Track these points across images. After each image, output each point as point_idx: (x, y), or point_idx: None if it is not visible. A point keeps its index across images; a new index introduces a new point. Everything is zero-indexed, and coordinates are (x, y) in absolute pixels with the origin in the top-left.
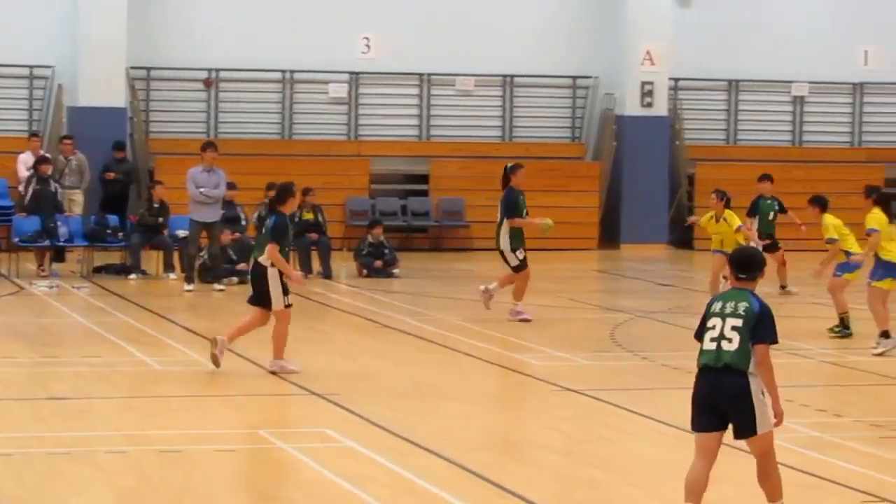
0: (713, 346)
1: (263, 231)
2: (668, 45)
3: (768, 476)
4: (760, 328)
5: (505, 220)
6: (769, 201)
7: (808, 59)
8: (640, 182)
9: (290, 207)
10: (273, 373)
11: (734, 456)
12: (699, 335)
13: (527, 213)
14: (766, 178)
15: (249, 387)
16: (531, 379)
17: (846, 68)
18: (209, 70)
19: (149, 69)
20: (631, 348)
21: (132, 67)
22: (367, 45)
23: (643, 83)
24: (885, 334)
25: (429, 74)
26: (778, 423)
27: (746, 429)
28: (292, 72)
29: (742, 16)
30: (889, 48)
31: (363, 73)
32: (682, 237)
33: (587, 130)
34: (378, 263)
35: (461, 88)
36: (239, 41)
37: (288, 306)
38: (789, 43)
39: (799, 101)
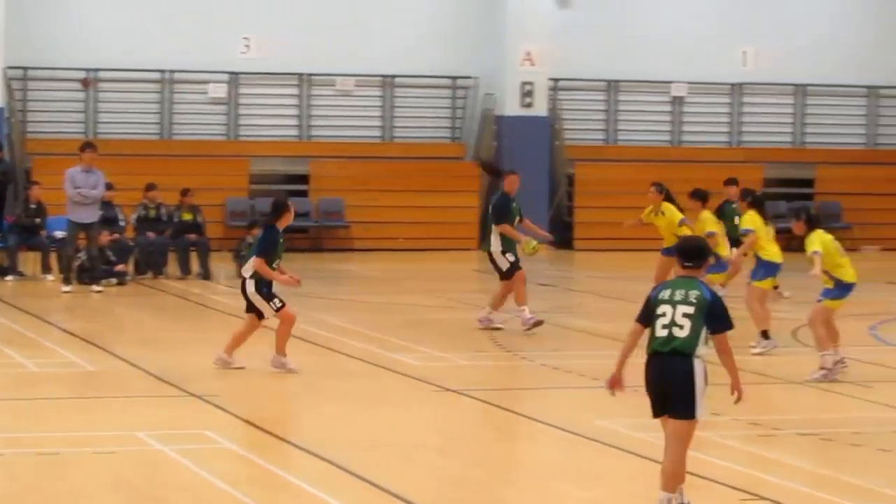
0: (665, 332)
1: (253, 247)
2: (547, 46)
3: (675, 464)
4: (716, 318)
5: (494, 226)
6: (734, 206)
7: (687, 59)
8: (520, 182)
9: (284, 222)
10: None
11: (610, 455)
12: (644, 319)
13: (520, 220)
14: (731, 182)
15: (128, 388)
16: (411, 379)
17: (725, 69)
18: (87, 70)
19: (26, 69)
20: (510, 348)
21: (9, 67)
22: (247, 45)
23: (523, 83)
24: (765, 334)
25: (309, 74)
26: (738, 400)
27: (686, 410)
28: (171, 72)
29: (622, 16)
30: (767, 49)
31: (243, 73)
32: (563, 237)
33: (467, 131)
34: None
35: (341, 88)
36: (117, 41)
37: (279, 308)
38: (668, 43)
39: (678, 101)
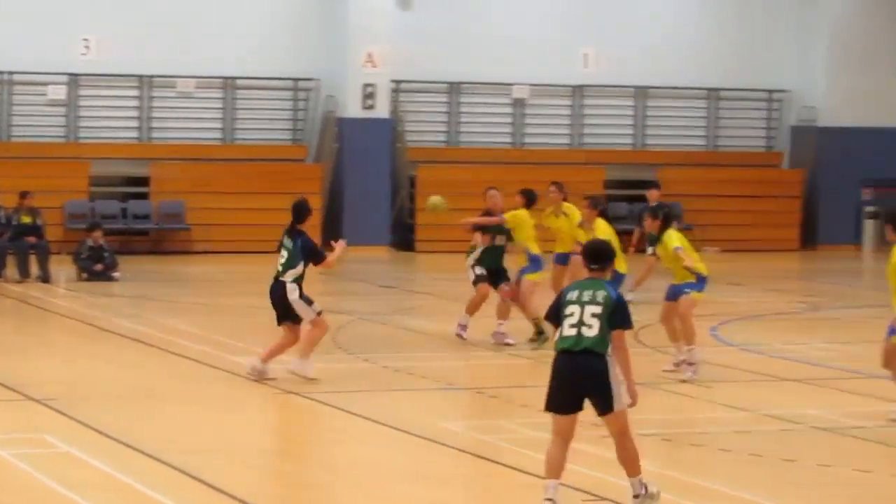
0: (574, 331)
1: (293, 252)
2: (389, 48)
3: (626, 452)
4: (617, 316)
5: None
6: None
7: (528, 61)
8: (361, 184)
9: (308, 223)
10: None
11: (453, 456)
12: (553, 318)
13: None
14: (652, 185)
15: None
16: (253, 382)
17: (566, 71)
18: None
19: None
20: (353, 350)
21: None
22: (87, 46)
23: (365, 85)
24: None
25: (149, 76)
26: (633, 404)
27: (604, 406)
28: (10, 73)
29: (463, 18)
30: (608, 51)
31: (82, 74)
32: (404, 239)
33: (309, 132)
34: (98, 267)
35: (182, 90)
36: None
37: (319, 314)
38: (510, 46)
39: (519, 103)
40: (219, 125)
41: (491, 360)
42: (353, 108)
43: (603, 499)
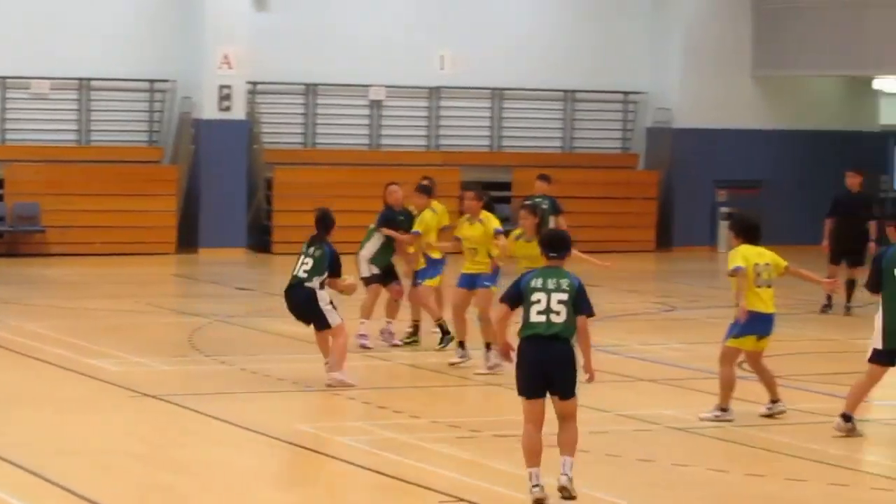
0: (542, 318)
1: (319, 259)
2: (245, 49)
3: (572, 434)
4: (581, 302)
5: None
6: (538, 199)
7: (385, 63)
8: (218, 186)
9: (332, 233)
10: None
11: (310, 459)
12: (511, 302)
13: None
14: (542, 178)
15: None
16: (109, 385)
17: (423, 72)
18: None
19: None
20: (210, 353)
21: None
22: None
23: (221, 87)
24: (461, 345)
25: (3, 77)
26: (590, 380)
27: (567, 391)
28: None
29: (320, 20)
30: (464, 53)
31: None
32: (261, 241)
33: (165, 134)
34: None
35: (36, 91)
36: None
37: (341, 320)
38: (367, 47)
39: (376, 104)
40: (74, 127)
41: (363, 363)
42: (209, 110)
43: (460, 499)
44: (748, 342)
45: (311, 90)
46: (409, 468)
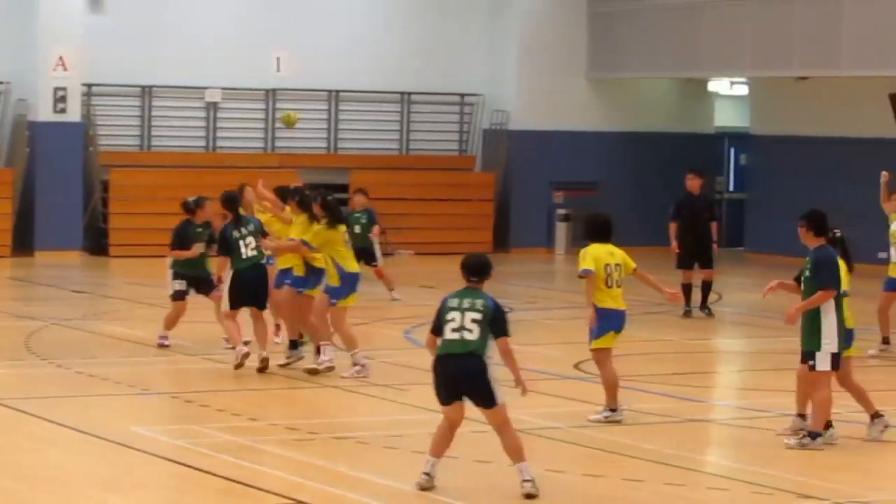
0: (456, 335)
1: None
2: (80, 51)
3: (511, 441)
4: (499, 324)
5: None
6: (357, 215)
7: (221, 65)
8: (54, 188)
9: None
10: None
11: (148, 462)
12: (437, 331)
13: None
14: (360, 192)
15: None
16: None
17: (259, 74)
18: None
19: None
20: (46, 356)
21: None
22: None
23: (56, 89)
24: (317, 350)
25: None
26: (524, 392)
27: (487, 401)
28: None
29: (155, 21)
30: (300, 55)
31: None
32: (97, 244)
33: (0, 137)
34: None
35: None
36: None
37: None
38: (203, 49)
39: (212, 106)
40: None
41: (186, 365)
42: (44, 112)
43: (299, 501)
44: (610, 339)
45: (146, 92)
46: (246, 471)
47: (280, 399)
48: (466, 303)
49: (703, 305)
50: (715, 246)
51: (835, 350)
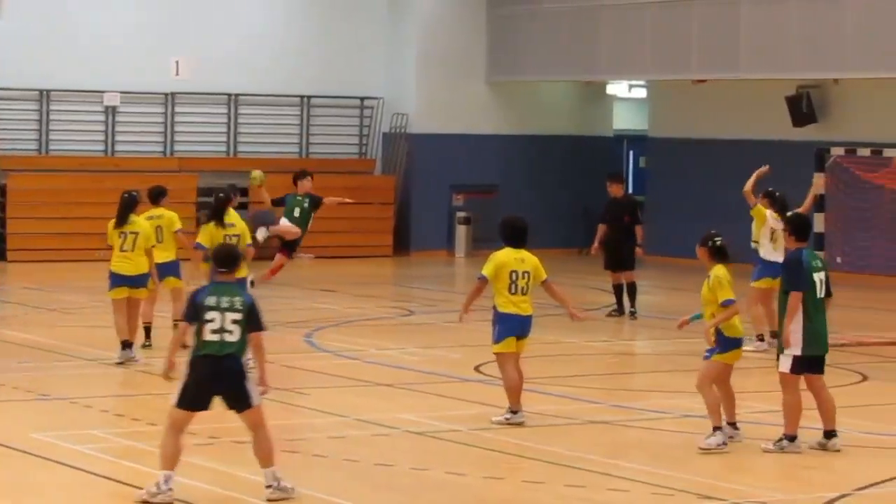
0: (217, 337)
1: None
2: None
3: (263, 444)
4: (254, 319)
5: None
6: (299, 198)
7: (120, 69)
8: None
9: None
10: None
11: (46, 467)
12: (192, 318)
13: None
14: (303, 175)
15: None
16: None
17: (158, 78)
18: None
19: None
20: None
21: None
22: None
23: None
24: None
25: None
26: (265, 392)
27: (242, 404)
28: None
29: (54, 25)
30: (199, 58)
31: None
32: None
33: None
34: None
35: None
36: None
37: None
38: (101, 53)
39: (111, 110)
40: None
41: (83, 370)
42: None
43: (183, 501)
44: (510, 344)
45: (45, 96)
46: (147, 475)
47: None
48: (225, 301)
49: (630, 307)
50: (639, 249)
51: (797, 353)
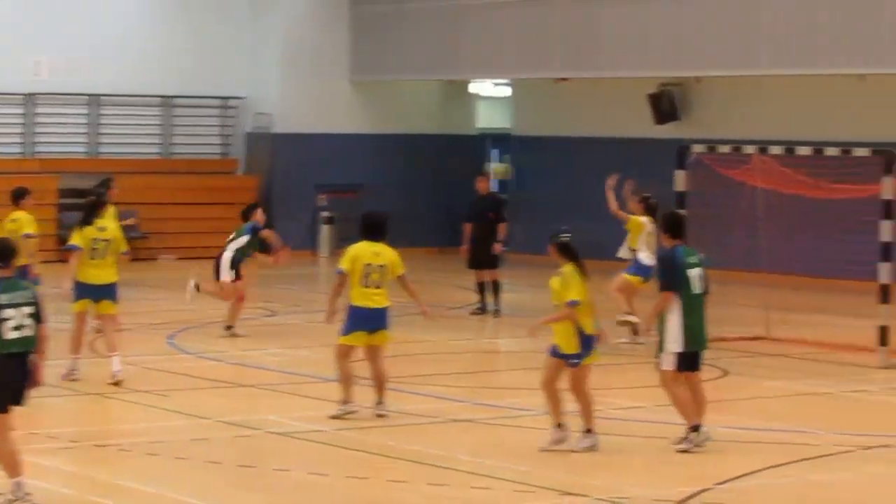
0: (17, 334)
1: None
2: None
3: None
4: (40, 312)
5: None
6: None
7: None
8: None
9: None
10: None
11: None
12: None
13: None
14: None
15: None
16: None
17: (17, 78)
18: None
19: None
20: None
21: None
22: None
23: None
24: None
25: None
26: (36, 384)
27: (25, 401)
28: None
29: None
30: (60, 58)
31: None
32: None
33: None
34: None
35: None
36: None
37: None
38: None
39: None
40: None
41: None
42: None
43: None
44: (359, 338)
45: None
46: (3, 479)
47: (41, 408)
48: (19, 297)
49: (494, 304)
50: (497, 246)
51: (678, 350)
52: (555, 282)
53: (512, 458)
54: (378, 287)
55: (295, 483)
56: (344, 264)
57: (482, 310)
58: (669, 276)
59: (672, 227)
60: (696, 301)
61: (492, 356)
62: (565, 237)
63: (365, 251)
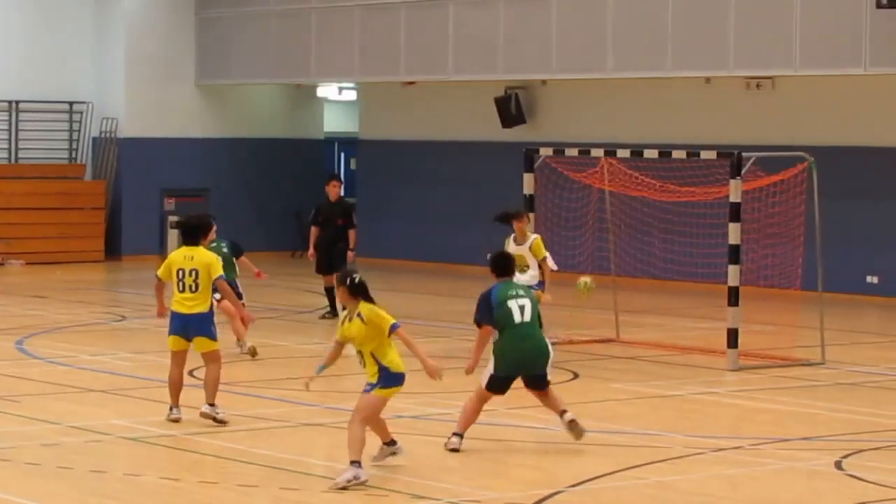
0: None
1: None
2: None
3: None
4: None
5: None
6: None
7: None
8: None
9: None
10: None
11: None
12: None
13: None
14: None
15: None
16: None
17: None
18: None
19: None
20: None
21: None
22: None
23: None
24: None
25: None
26: None
27: None
28: None
29: None
30: None
31: None
32: None
33: None
34: None
35: None
36: None
37: None
38: None
39: None
40: None
41: None
42: None
43: None
44: (175, 342)
45: None
46: None
47: None
48: None
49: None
50: (351, 253)
51: (492, 371)
52: (366, 318)
53: (363, 461)
54: (193, 291)
55: (146, 488)
56: (159, 271)
57: (332, 314)
58: (480, 312)
59: (496, 266)
60: (517, 330)
61: (341, 360)
62: (357, 277)
63: (179, 256)
